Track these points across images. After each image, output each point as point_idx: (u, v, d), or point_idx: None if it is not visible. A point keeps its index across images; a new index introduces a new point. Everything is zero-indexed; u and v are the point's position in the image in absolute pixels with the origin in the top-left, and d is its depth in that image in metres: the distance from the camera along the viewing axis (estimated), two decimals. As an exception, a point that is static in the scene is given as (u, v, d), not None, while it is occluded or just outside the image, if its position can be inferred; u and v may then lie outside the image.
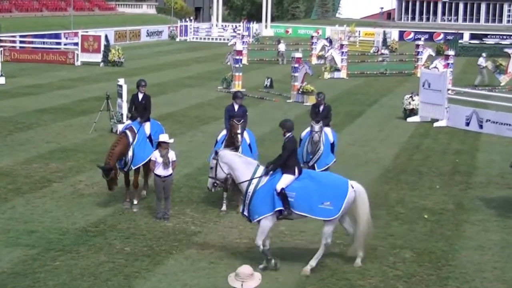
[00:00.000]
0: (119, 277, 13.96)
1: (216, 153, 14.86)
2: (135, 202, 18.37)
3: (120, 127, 19.51)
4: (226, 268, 14.06)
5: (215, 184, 14.93)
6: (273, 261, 14.53)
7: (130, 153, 18.27)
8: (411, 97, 33.35)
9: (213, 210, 18.42)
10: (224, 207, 18.33)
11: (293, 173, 14.46)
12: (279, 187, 14.23)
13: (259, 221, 14.50)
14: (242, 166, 14.66)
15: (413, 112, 33.16)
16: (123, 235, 16.35)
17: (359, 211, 14.62)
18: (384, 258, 15.44)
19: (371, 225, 14.89)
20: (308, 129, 19.34)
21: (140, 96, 19.71)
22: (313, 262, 14.50)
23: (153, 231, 16.68)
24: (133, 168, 18.45)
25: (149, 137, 18.88)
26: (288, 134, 14.93)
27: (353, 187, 14.51)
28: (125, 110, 27.95)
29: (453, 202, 19.94)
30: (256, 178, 14.46)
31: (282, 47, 60.63)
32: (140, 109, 19.36)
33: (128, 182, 18.52)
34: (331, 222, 14.40)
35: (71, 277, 13.87)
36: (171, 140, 17.55)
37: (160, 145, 17.34)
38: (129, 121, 19.48)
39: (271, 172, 14.50)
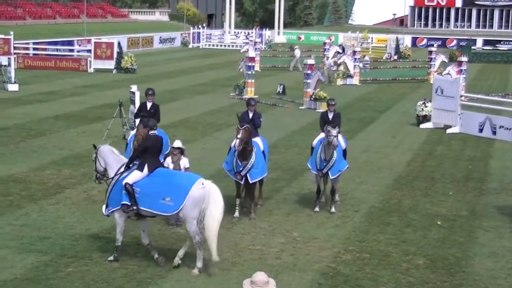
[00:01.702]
0: (132, 283, 13.97)
1: (95, 147, 15.67)
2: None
3: (132, 133, 19.48)
4: (239, 275, 14.06)
5: (97, 177, 15.65)
6: (156, 256, 14.97)
7: None
8: (424, 103, 33.28)
9: (226, 216, 18.31)
10: (236, 214, 18.31)
11: (142, 170, 14.79)
12: (124, 182, 14.71)
13: (113, 215, 15.13)
14: (114, 163, 15.27)
15: (426, 118, 33.08)
16: (136, 241, 16.35)
17: (208, 211, 14.44)
18: (397, 264, 15.40)
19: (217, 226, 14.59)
20: (319, 137, 19.29)
21: (149, 105, 19.73)
22: (199, 264, 14.60)
23: (165, 238, 16.68)
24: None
25: None
26: (151, 132, 15.51)
27: (203, 185, 14.51)
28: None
29: (466, 208, 19.87)
30: (118, 174, 15.05)
31: (297, 53, 60.59)
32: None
33: None
34: (189, 220, 14.45)
35: (84, 284, 13.89)
36: (183, 147, 17.51)
37: (172, 152, 17.33)
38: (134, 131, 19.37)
39: (129, 167, 15.04)
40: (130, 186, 14.64)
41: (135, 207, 14.66)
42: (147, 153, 15.01)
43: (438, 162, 25.74)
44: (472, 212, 19.56)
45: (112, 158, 15.35)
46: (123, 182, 14.71)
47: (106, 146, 15.70)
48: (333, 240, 16.84)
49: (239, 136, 17.59)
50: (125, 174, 14.92)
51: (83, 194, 20.08)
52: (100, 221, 17.74)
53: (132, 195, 14.62)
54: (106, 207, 15.17)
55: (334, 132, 18.32)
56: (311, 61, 39.62)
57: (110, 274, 14.38)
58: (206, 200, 14.44)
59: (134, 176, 14.77)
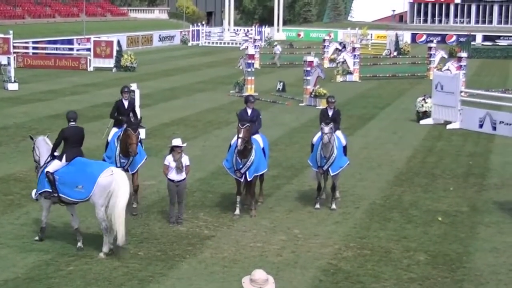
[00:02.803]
0: (133, 281, 13.97)
1: (32, 138, 16.60)
2: (135, 205, 18.37)
3: (113, 132, 19.15)
4: (240, 272, 14.06)
5: (36, 166, 16.34)
6: (79, 244, 15.67)
7: (131, 158, 18.19)
8: (424, 99, 33.27)
9: (227, 214, 18.42)
10: (237, 211, 18.31)
11: (60, 160, 15.66)
12: (46, 170, 15.60)
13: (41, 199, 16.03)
14: (45, 153, 16.04)
15: (426, 114, 33.09)
16: (137, 239, 16.37)
17: (114, 198, 15.13)
18: (398, 261, 15.40)
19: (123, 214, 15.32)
20: (319, 134, 19.29)
21: (126, 103, 19.47)
22: (104, 249, 15.28)
23: (166, 236, 16.69)
24: (131, 172, 18.35)
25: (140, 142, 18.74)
26: (70, 123, 16.18)
27: (112, 173, 15.24)
28: (138, 116, 27.97)
29: (467, 204, 19.87)
30: (45, 163, 15.84)
31: (278, 49, 60.96)
32: (126, 115, 19.08)
33: None
34: (97, 207, 15.26)
35: (85, 282, 13.89)
36: (184, 145, 17.53)
37: (173, 150, 17.33)
38: (115, 128, 19.05)
39: (54, 156, 15.86)
40: (51, 175, 15.51)
41: (55, 194, 15.55)
42: (66, 143, 15.88)
43: (438, 158, 25.74)
44: (473, 207, 19.56)
45: (44, 149, 16.12)
46: (45, 171, 15.64)
47: (41, 137, 16.51)
48: (334, 236, 16.84)
49: (240, 135, 17.57)
50: (49, 163, 15.83)
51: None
52: (100, 219, 17.74)
53: (52, 183, 15.51)
54: (36, 191, 16.16)
55: (326, 129, 18.30)
56: (310, 58, 39.58)
57: (111, 272, 14.38)
58: (113, 187, 15.14)
59: (54, 165, 15.67)
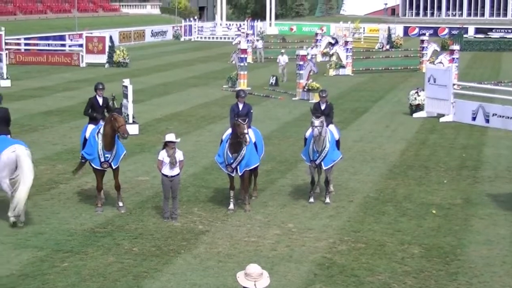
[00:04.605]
0: (128, 277, 13.97)
1: None
2: (121, 204, 18.37)
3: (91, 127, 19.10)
4: (235, 267, 14.07)
5: None
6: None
7: (114, 151, 18.16)
8: (416, 92, 33.30)
9: (221, 209, 18.42)
10: (231, 206, 18.31)
11: None
12: None
13: None
14: None
15: (419, 107, 33.12)
16: (131, 235, 16.36)
17: (18, 175, 16.55)
18: (393, 254, 15.43)
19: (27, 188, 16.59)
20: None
21: (100, 100, 19.39)
22: (9, 213, 16.76)
23: (161, 231, 16.68)
24: (114, 166, 18.28)
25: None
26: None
27: (14, 151, 16.61)
28: (131, 111, 28.00)
29: (461, 197, 19.90)
30: None
31: (260, 44, 60.63)
32: (101, 113, 19.09)
33: (101, 187, 18.41)
34: (1, 179, 16.67)
35: (80, 278, 13.88)
36: (178, 140, 17.51)
37: (167, 145, 17.31)
38: (91, 125, 18.94)
39: None
40: None
41: None
42: None
43: (432, 151, 25.77)
44: (466, 200, 19.59)
45: None
46: None
47: None
48: (328, 230, 16.86)
49: (245, 131, 17.55)
50: None
51: (77, 189, 20.07)
52: (94, 215, 17.76)
53: None
54: None
55: (316, 122, 18.29)
56: (303, 52, 39.57)
57: (106, 268, 14.38)
58: (18, 165, 16.57)
59: None
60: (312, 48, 47.11)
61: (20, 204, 16.54)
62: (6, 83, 41.40)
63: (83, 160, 19.06)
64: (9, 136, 18.12)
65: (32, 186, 16.93)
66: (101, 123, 18.41)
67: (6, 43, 55.04)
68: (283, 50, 48.77)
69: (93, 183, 19.32)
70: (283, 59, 46.81)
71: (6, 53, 49.06)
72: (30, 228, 16.77)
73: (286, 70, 46.09)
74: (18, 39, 59.63)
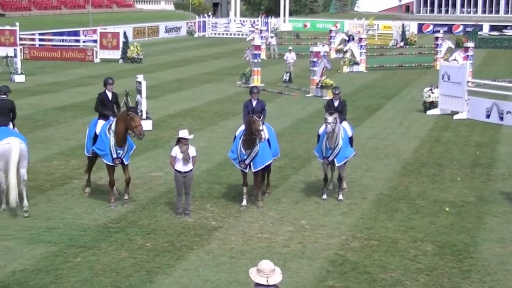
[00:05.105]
0: (140, 272, 14.00)
1: None
2: (126, 197, 18.44)
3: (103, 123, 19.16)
4: (247, 263, 14.08)
5: None
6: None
7: (126, 147, 18.23)
8: (430, 90, 33.21)
9: (234, 205, 18.43)
10: (244, 202, 18.32)
11: None
12: None
13: None
14: None
15: (432, 105, 33.03)
16: (144, 231, 16.39)
17: (9, 165, 17.02)
18: (406, 251, 15.40)
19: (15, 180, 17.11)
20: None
21: (109, 94, 19.41)
22: (3, 206, 17.57)
23: (174, 227, 16.71)
24: (126, 162, 18.37)
25: None
26: (2, 96, 18.30)
27: (8, 143, 17.06)
28: (144, 107, 28.05)
29: (474, 194, 19.84)
30: None
31: (273, 40, 60.37)
32: (110, 108, 19.12)
33: (114, 183, 18.49)
34: None
35: (93, 273, 13.93)
36: (191, 136, 17.53)
37: (180, 141, 17.33)
38: (101, 121, 18.96)
39: None
40: None
41: None
42: None
43: (445, 148, 25.71)
44: (480, 198, 19.54)
45: None
46: None
47: None
48: (341, 227, 16.84)
49: (260, 128, 17.53)
50: None
51: (91, 185, 20.09)
52: (108, 211, 17.81)
53: None
54: None
55: (330, 119, 18.27)
56: (317, 49, 39.52)
57: (119, 263, 14.41)
58: (11, 156, 16.97)
59: None
60: (323, 45, 46.54)
61: (12, 193, 17.02)
62: (21, 78, 41.56)
63: (90, 155, 19.07)
64: (10, 127, 18.31)
65: (27, 180, 17.70)
66: (111, 119, 18.44)
67: (20, 39, 55.33)
68: (290, 47, 48.00)
69: (106, 179, 19.36)
70: (290, 56, 46.00)
71: (21, 49, 49.22)
72: (44, 223, 16.83)
73: (293, 69, 44.94)
74: (32, 34, 59.85)
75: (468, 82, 32.72)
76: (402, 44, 70.59)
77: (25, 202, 17.35)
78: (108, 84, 19.48)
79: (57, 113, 31.51)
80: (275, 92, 38.69)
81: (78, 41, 61.50)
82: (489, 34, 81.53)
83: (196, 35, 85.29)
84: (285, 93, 38.67)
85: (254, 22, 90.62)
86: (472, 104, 31.54)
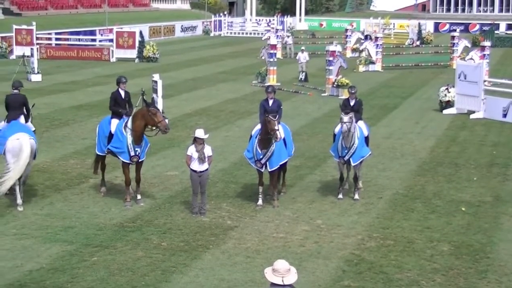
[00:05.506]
0: (156, 272, 14.03)
1: None
2: (139, 196, 18.47)
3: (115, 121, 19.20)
4: (263, 263, 14.08)
5: None
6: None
7: (142, 145, 18.29)
8: (447, 89, 33.10)
9: (249, 204, 18.43)
10: (260, 202, 18.31)
11: (4, 121, 18.49)
12: None
13: None
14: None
15: (449, 104, 32.92)
16: (160, 230, 16.42)
17: (16, 160, 17.40)
18: (422, 251, 15.36)
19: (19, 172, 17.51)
20: (341, 124, 19.23)
21: (122, 93, 19.39)
22: (18, 201, 17.81)
23: (189, 226, 16.73)
24: (141, 159, 18.41)
25: None
26: (13, 91, 18.75)
27: (18, 139, 17.50)
28: (160, 106, 28.07)
29: (490, 194, 19.77)
30: None
31: (290, 39, 60.17)
32: (123, 106, 19.12)
33: (130, 181, 18.50)
34: (6, 163, 17.67)
35: (109, 273, 13.96)
36: (206, 136, 17.54)
37: (195, 140, 17.35)
38: (115, 119, 18.90)
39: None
40: None
41: None
42: (8, 108, 18.67)
43: (461, 148, 25.62)
44: (496, 198, 19.46)
45: None
46: None
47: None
48: (357, 227, 16.82)
49: (276, 127, 17.53)
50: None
51: (106, 184, 20.12)
52: (123, 210, 17.85)
53: None
54: None
55: (345, 118, 18.25)
56: (333, 48, 39.44)
57: (135, 263, 14.45)
58: (22, 152, 17.32)
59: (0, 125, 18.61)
60: (336, 45, 46.26)
61: (7, 183, 17.36)
62: (37, 77, 41.72)
63: (104, 154, 19.10)
64: (22, 121, 18.76)
65: (30, 175, 18.68)
66: (125, 117, 18.48)
67: (37, 38, 55.48)
68: (303, 47, 47.50)
69: (122, 178, 19.41)
70: (303, 56, 45.13)
71: (37, 48, 49.39)
72: (60, 222, 16.89)
73: (306, 70, 44.14)
74: (49, 33, 60.00)
75: (484, 81, 32.60)
76: (418, 43, 70.38)
77: (19, 200, 17.83)
78: (121, 82, 19.47)
79: (74, 112, 31.61)
80: (291, 91, 38.65)
81: (94, 40, 61.63)
82: (506, 33, 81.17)
83: (212, 34, 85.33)
84: (301, 92, 38.64)
85: (270, 21, 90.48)
86: (489, 103, 31.42)
